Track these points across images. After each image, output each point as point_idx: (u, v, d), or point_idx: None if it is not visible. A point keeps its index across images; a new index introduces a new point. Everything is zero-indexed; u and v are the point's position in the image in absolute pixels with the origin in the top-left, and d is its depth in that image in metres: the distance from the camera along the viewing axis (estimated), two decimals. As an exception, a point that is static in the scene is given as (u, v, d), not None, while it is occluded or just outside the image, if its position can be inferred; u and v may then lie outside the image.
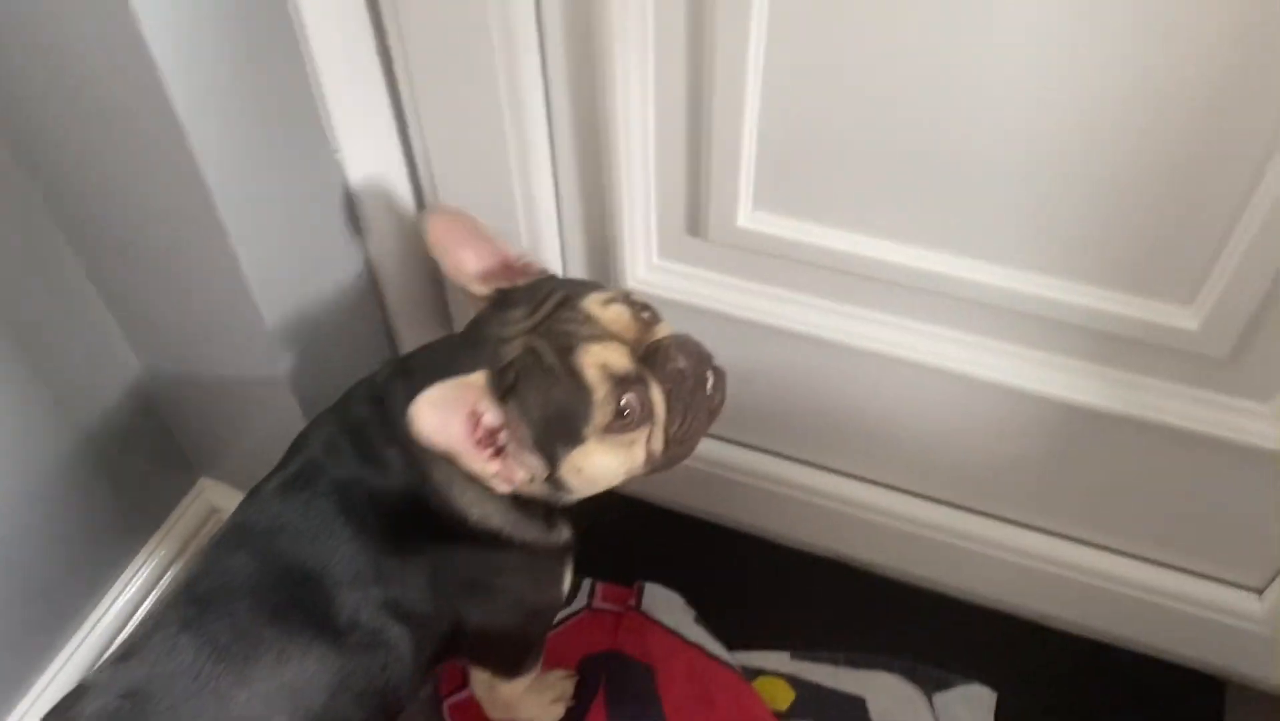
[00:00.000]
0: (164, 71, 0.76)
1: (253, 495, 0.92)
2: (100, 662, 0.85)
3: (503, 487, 0.85)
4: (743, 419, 1.22)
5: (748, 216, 0.98)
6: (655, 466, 0.90)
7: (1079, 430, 1.03)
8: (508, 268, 0.93)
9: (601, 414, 0.83)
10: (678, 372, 0.86)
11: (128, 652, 0.83)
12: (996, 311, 0.97)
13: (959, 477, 1.16)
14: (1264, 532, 1.05)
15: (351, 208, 1.03)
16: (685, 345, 0.88)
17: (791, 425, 1.20)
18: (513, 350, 0.85)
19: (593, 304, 0.86)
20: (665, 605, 1.30)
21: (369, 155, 1.01)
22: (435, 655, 0.96)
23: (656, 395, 0.86)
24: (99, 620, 1.18)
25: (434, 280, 1.18)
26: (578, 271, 1.12)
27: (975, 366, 1.01)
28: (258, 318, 0.96)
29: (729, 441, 1.25)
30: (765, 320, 1.05)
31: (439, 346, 0.93)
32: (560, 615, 1.30)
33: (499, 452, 0.84)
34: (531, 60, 0.92)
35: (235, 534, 0.89)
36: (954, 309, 0.99)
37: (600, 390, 0.83)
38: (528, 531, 0.93)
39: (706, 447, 1.26)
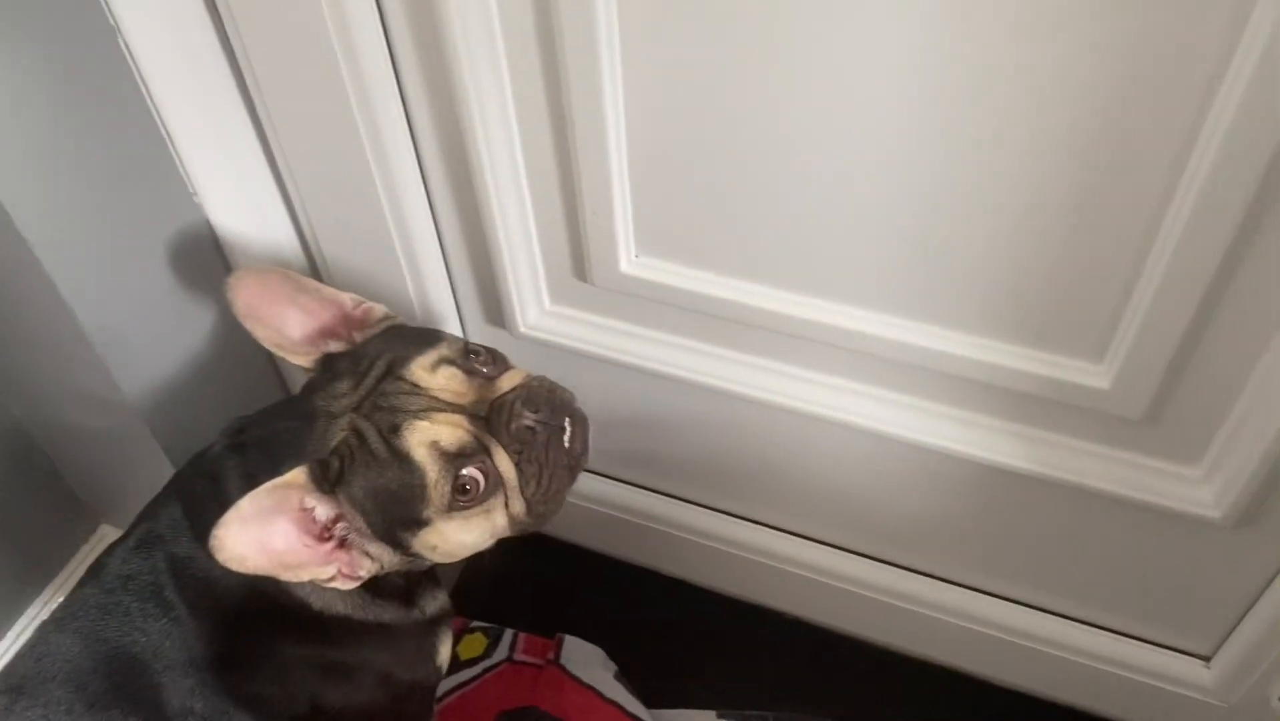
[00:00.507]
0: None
1: (95, 568, 0.86)
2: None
3: (346, 586, 0.79)
4: (649, 464, 1.16)
5: (630, 262, 0.91)
6: (524, 527, 0.84)
7: (999, 489, 0.95)
8: (345, 318, 0.86)
9: (438, 494, 0.77)
10: (525, 431, 0.80)
11: None
12: (894, 364, 0.89)
13: (877, 532, 1.09)
14: (1207, 598, 0.96)
15: (220, 253, 0.97)
16: (535, 396, 0.81)
17: (697, 471, 1.13)
18: (339, 431, 0.78)
19: (419, 371, 0.80)
20: (584, 660, 1.24)
21: (235, 201, 0.96)
22: None
23: (503, 461, 0.79)
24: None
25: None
26: (473, 317, 1.06)
27: (873, 420, 0.93)
28: (110, 381, 0.91)
29: (639, 487, 1.19)
30: (657, 367, 0.99)
31: (273, 416, 0.86)
32: (479, 668, 1.24)
33: (341, 544, 0.78)
34: (389, 97, 0.86)
35: (65, 612, 0.84)
36: (850, 359, 0.91)
37: (432, 471, 0.77)
38: (383, 612, 0.87)
39: (618, 493, 1.20)
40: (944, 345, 0.85)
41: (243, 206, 0.96)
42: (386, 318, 0.87)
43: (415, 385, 0.78)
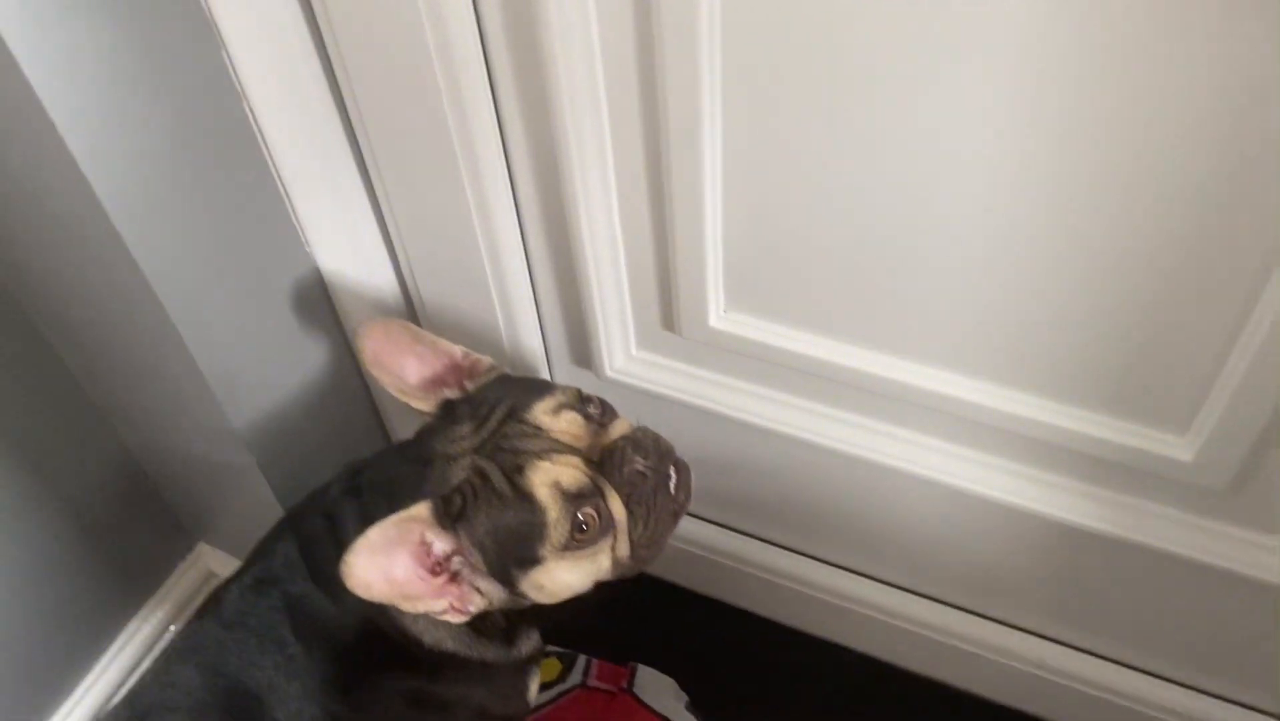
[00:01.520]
0: (97, 188, 0.76)
1: (211, 601, 0.91)
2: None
3: (457, 619, 0.83)
4: (730, 506, 1.19)
5: (719, 317, 0.94)
6: (624, 571, 0.87)
7: (1073, 548, 0.96)
8: (455, 368, 0.90)
9: (557, 533, 0.80)
10: (636, 475, 0.83)
11: None
12: (976, 425, 0.91)
13: (950, 578, 1.11)
14: (1275, 657, 0.97)
15: (327, 297, 1.02)
16: (642, 444, 0.84)
17: (778, 514, 1.16)
18: (460, 471, 0.82)
19: (541, 414, 0.83)
20: (656, 689, 1.27)
21: (343, 249, 1.00)
22: None
23: (615, 504, 0.83)
24: (93, 684, 1.20)
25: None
26: (561, 360, 1.10)
27: (955, 477, 0.95)
28: (220, 413, 0.96)
29: (720, 526, 1.22)
30: (742, 416, 1.02)
31: (390, 460, 0.91)
32: (554, 692, 1.28)
33: (453, 579, 0.82)
34: (494, 156, 0.89)
35: (186, 643, 0.89)
36: (932, 418, 0.94)
37: (553, 510, 0.80)
38: (486, 651, 0.91)
39: (699, 531, 1.23)
40: (1027, 411, 0.87)
41: (350, 255, 1.01)
42: (493, 368, 0.91)
43: (538, 428, 0.82)
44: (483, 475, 0.81)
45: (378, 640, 0.88)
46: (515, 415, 0.83)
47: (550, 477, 0.80)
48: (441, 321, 1.07)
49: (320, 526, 0.89)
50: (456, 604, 0.82)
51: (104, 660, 1.21)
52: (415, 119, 0.87)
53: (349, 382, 1.09)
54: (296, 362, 1.02)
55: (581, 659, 1.31)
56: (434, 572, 0.81)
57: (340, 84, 0.89)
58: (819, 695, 1.28)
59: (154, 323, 0.87)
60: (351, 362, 1.09)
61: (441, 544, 0.81)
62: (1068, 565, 1.00)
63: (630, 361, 1.05)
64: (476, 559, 0.81)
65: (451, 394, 0.88)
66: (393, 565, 0.78)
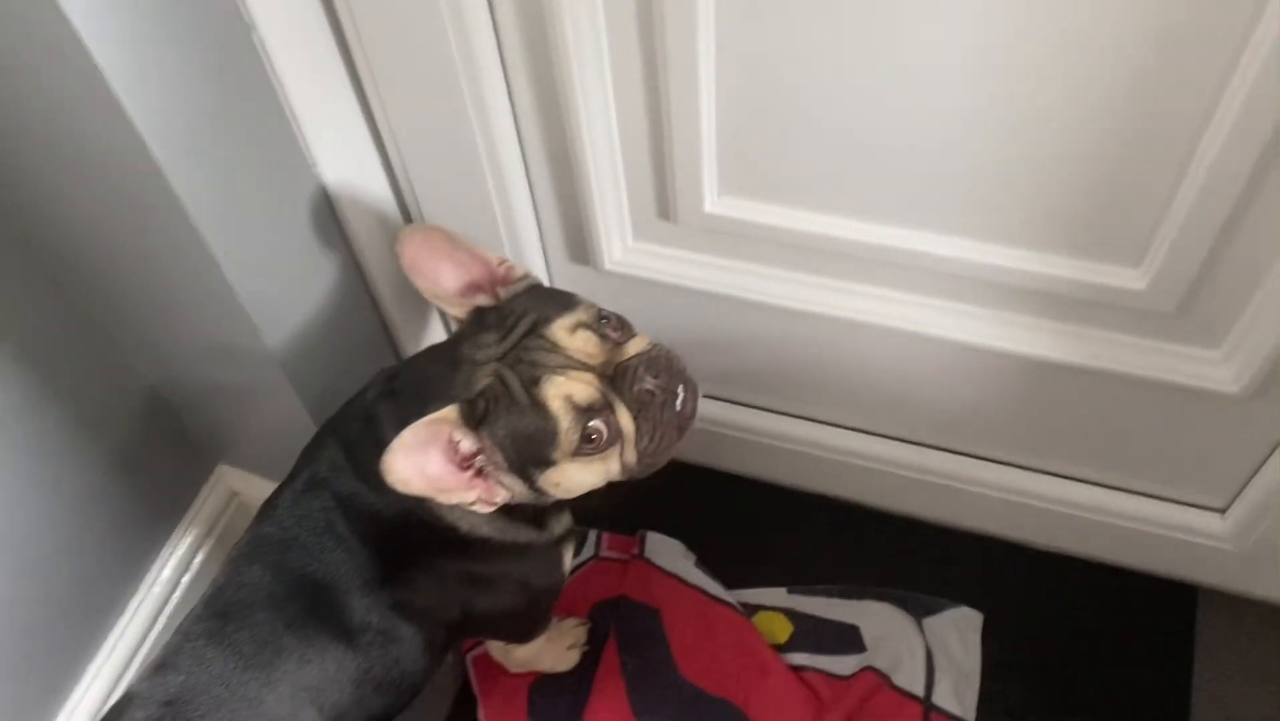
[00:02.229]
0: (138, 122, 0.80)
1: (267, 507, 0.98)
2: (139, 671, 0.92)
3: (485, 509, 0.91)
4: (725, 380, 1.28)
5: (714, 202, 1.02)
6: (632, 474, 0.96)
7: (1038, 379, 1.08)
8: (490, 275, 0.97)
9: (568, 441, 0.89)
10: (645, 394, 0.90)
11: (163, 663, 0.91)
12: (953, 278, 1.01)
13: (933, 422, 1.22)
14: (1222, 459, 1.11)
15: (333, 213, 1.07)
16: (655, 363, 0.91)
17: (769, 382, 1.25)
18: (484, 377, 0.89)
19: (559, 331, 0.90)
20: (666, 552, 1.38)
21: (345, 164, 1.04)
22: (447, 640, 1.04)
23: (624, 418, 0.91)
24: (135, 610, 1.26)
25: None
26: (558, 256, 1.17)
27: (935, 327, 1.05)
28: (255, 333, 1.01)
29: (715, 399, 1.31)
30: (739, 294, 1.10)
31: (422, 363, 0.98)
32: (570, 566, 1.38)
33: (479, 474, 0.90)
34: (490, 58, 0.94)
35: (251, 547, 0.96)
36: (913, 277, 1.03)
37: (564, 420, 0.88)
38: (518, 534, 1.00)
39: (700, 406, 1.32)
40: (996, 259, 0.97)
41: (352, 170, 1.06)
42: (525, 277, 0.97)
43: (555, 344, 0.89)
44: (504, 383, 0.89)
45: (422, 528, 0.96)
46: (536, 329, 0.90)
47: (563, 391, 0.88)
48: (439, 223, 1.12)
49: (360, 429, 0.96)
50: (484, 495, 0.90)
51: (143, 587, 1.28)
52: (409, 17, 0.90)
53: (359, 298, 1.15)
54: (312, 280, 1.07)
55: (592, 533, 1.41)
56: (462, 468, 0.89)
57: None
58: (811, 542, 1.40)
59: (191, 251, 0.92)
60: (359, 278, 1.14)
61: (468, 443, 0.88)
62: (1031, 397, 1.12)
63: (628, 253, 1.12)
64: (498, 457, 0.90)
65: (484, 301, 0.95)
66: (426, 462, 0.86)
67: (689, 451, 1.41)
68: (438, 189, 1.09)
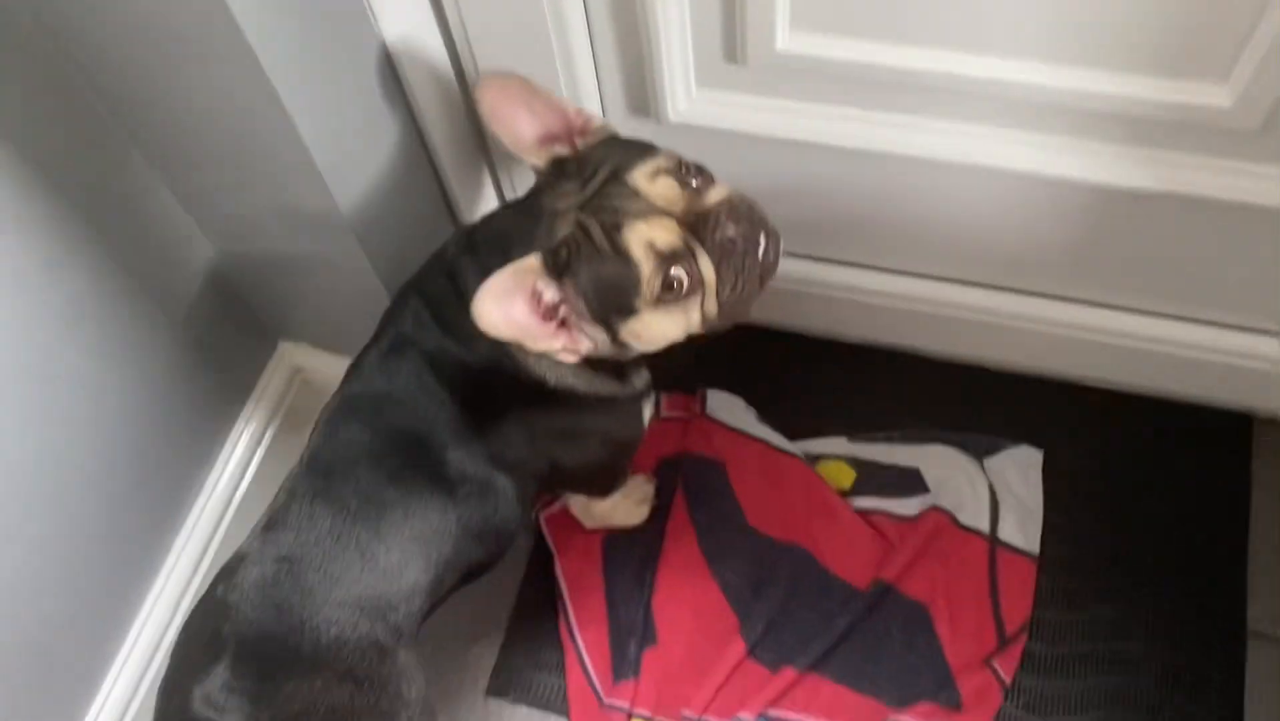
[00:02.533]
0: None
1: (354, 369, 0.99)
2: (249, 533, 0.94)
3: (570, 359, 0.92)
4: (790, 231, 1.26)
5: (786, 39, 1.00)
6: (712, 326, 0.95)
7: (1113, 209, 1.08)
8: (567, 125, 0.95)
9: (650, 288, 0.88)
10: (727, 241, 0.89)
11: (272, 523, 0.93)
12: (1031, 106, 1.00)
13: (998, 261, 1.22)
14: (1283, 282, 1.12)
15: (395, 73, 1.04)
16: (736, 210, 0.90)
17: (837, 232, 1.24)
18: (565, 226, 0.89)
19: (640, 178, 0.89)
20: (728, 407, 1.40)
21: (404, 18, 1.02)
22: (537, 491, 1.06)
23: (705, 265, 0.90)
24: (215, 486, 1.28)
25: (478, 135, 1.21)
26: (616, 108, 1.14)
27: (1011, 160, 1.04)
28: (327, 195, 1.00)
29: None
30: (808, 138, 1.09)
31: (501, 218, 0.98)
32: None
33: (562, 324, 0.90)
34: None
35: (345, 407, 0.97)
36: (991, 108, 1.02)
37: (646, 266, 0.88)
38: (603, 387, 1.01)
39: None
40: (1080, 83, 0.95)
41: (411, 26, 1.03)
42: (603, 128, 0.96)
43: (636, 190, 0.88)
44: (585, 231, 0.88)
45: (510, 381, 0.97)
46: (617, 176, 0.89)
47: (645, 237, 0.87)
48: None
49: (443, 285, 0.96)
50: (569, 344, 0.91)
51: (217, 467, 1.29)
52: None
53: (420, 160, 1.13)
54: (377, 142, 1.06)
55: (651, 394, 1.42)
56: (546, 319, 0.89)
57: None
58: (869, 393, 1.41)
59: (265, 108, 0.90)
60: (419, 140, 1.12)
61: (550, 292, 0.89)
62: (1103, 228, 1.11)
63: (692, 102, 1.10)
64: (581, 307, 0.90)
65: (562, 150, 0.94)
66: (511, 309, 0.87)
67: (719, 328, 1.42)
68: (494, 41, 1.06)
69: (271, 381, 1.34)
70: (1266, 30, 0.86)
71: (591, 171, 0.90)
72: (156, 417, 1.18)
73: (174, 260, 1.16)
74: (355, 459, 0.95)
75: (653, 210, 0.89)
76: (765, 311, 1.41)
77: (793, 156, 1.12)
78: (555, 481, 1.09)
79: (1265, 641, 1.22)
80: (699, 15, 1.01)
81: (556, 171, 0.93)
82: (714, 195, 0.92)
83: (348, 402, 0.98)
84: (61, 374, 1.04)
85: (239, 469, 1.31)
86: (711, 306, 0.93)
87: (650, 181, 0.89)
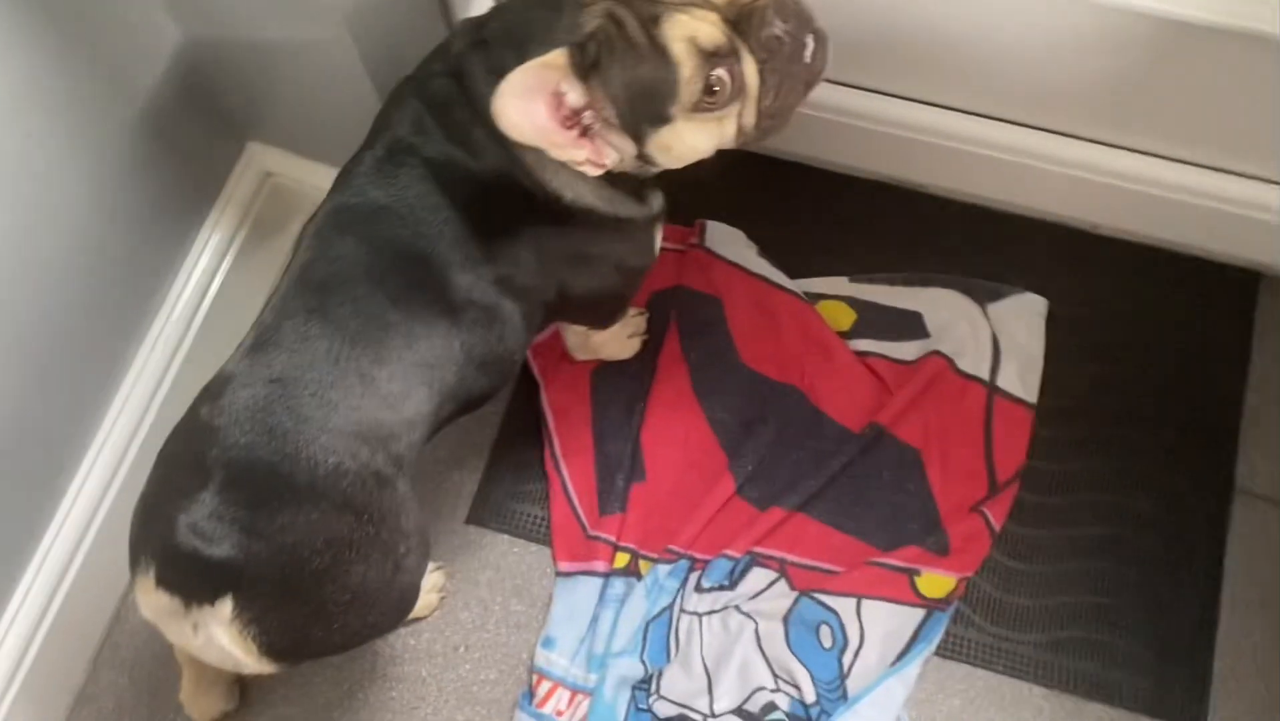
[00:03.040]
0: None
1: (345, 176, 0.90)
2: (236, 353, 0.86)
3: (593, 172, 0.83)
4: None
5: None
6: (747, 140, 0.87)
7: (1164, 43, 1.01)
8: None
9: (689, 92, 0.80)
10: (774, 40, 0.81)
11: (261, 342, 0.85)
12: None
13: (1029, 96, 1.15)
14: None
15: None
16: (785, 7, 0.81)
17: (867, 53, 1.16)
18: (594, 18, 0.79)
19: None
20: (727, 240, 1.33)
21: None
22: (543, 321, 0.99)
23: (749, 68, 0.81)
24: (180, 293, 1.20)
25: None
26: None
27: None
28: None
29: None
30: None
31: (515, 7, 0.87)
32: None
33: (585, 133, 0.81)
34: None
35: (337, 218, 0.88)
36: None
37: (687, 66, 0.79)
38: (620, 207, 0.93)
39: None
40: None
41: None
42: None
43: None
44: (618, 23, 0.78)
45: (524, 197, 0.89)
46: None
47: (687, 32, 0.78)
48: None
49: (448, 87, 0.87)
50: (592, 156, 0.82)
51: (182, 274, 1.20)
52: None
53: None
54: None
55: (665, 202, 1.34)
56: (567, 126, 0.80)
57: None
58: (874, 230, 1.35)
59: None
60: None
61: (575, 95, 0.80)
62: (1140, 64, 1.05)
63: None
64: (610, 113, 0.81)
65: None
66: (532, 111, 0.78)
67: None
68: None
69: (241, 183, 1.24)
70: None
71: None
72: (116, 213, 1.08)
73: (136, 44, 1.04)
74: (352, 276, 0.86)
75: (695, 1, 0.79)
76: (773, 138, 1.33)
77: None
78: (559, 310, 1.01)
79: (1250, 498, 1.23)
80: None
81: None
82: None
83: (340, 213, 0.88)
84: (9, 161, 0.93)
85: (205, 276, 1.21)
86: (750, 116, 0.84)
87: None
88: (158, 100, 1.08)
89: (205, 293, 1.22)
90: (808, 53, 0.84)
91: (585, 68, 0.79)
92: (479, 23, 0.88)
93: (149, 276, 1.16)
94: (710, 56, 0.79)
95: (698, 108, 0.81)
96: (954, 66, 1.14)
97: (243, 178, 1.24)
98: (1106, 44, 1.04)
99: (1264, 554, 1.20)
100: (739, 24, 0.80)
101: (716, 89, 0.80)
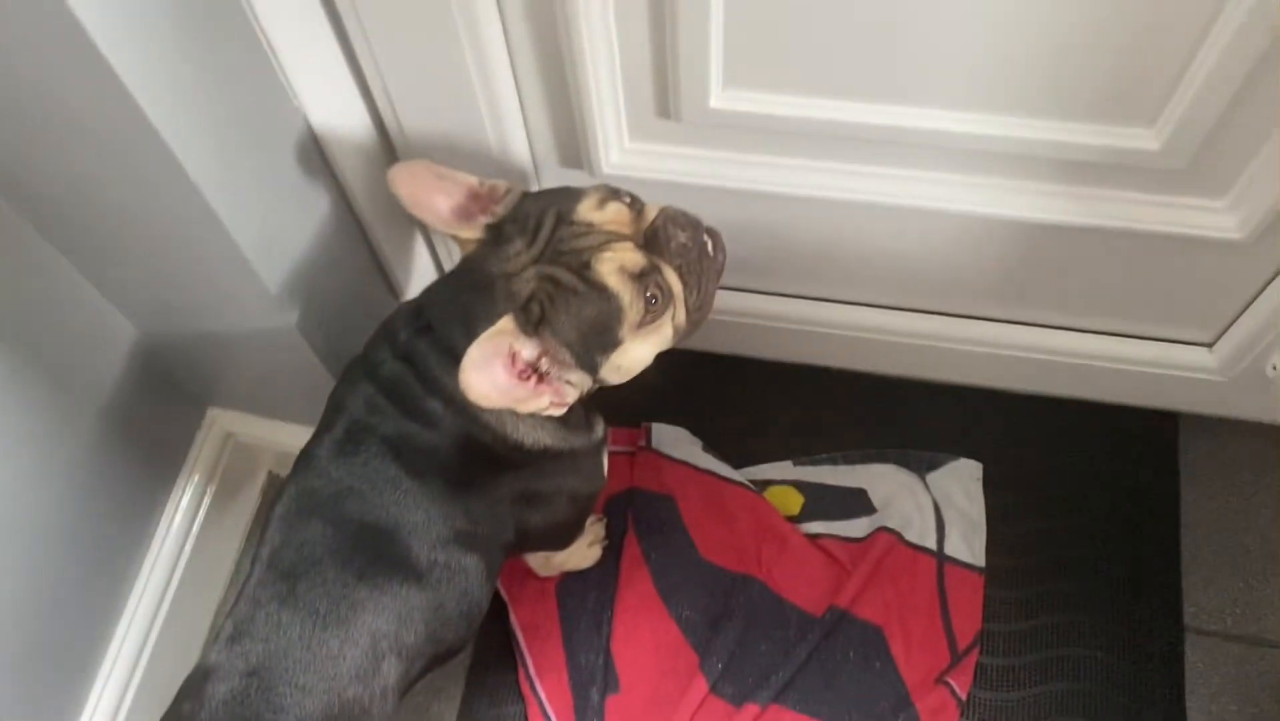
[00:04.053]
0: (121, 73, 0.73)
1: (306, 458, 0.95)
2: (215, 643, 0.90)
3: (557, 412, 0.91)
4: (728, 268, 1.26)
5: (719, 96, 0.98)
6: (680, 337, 0.96)
7: (1046, 241, 1.09)
8: (475, 196, 0.94)
9: (633, 313, 0.89)
10: (682, 248, 0.91)
11: (238, 633, 0.89)
12: (965, 152, 1.00)
13: (934, 289, 1.23)
14: (1215, 299, 1.15)
15: (321, 151, 1.00)
16: (678, 219, 0.92)
17: (773, 267, 1.24)
18: (527, 283, 0.88)
19: (587, 212, 0.89)
20: (673, 440, 1.39)
21: (327, 97, 0.98)
22: (504, 561, 1.04)
23: (671, 276, 0.91)
24: (152, 567, 1.24)
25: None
26: (549, 162, 1.12)
27: (945, 201, 1.05)
28: (256, 280, 0.97)
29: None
30: (741, 186, 1.08)
31: (444, 294, 0.95)
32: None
33: (542, 379, 0.89)
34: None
35: (301, 502, 0.93)
36: (924, 154, 1.02)
37: (626, 292, 0.88)
38: (574, 440, 0.99)
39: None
40: (1013, 130, 0.96)
41: (334, 102, 0.99)
42: (511, 190, 0.94)
43: (589, 225, 0.88)
44: (553, 280, 0.87)
45: (482, 453, 0.95)
46: (564, 219, 0.89)
47: (616, 265, 0.88)
48: (427, 148, 1.07)
49: (399, 369, 0.93)
50: (555, 399, 0.90)
51: (155, 543, 1.24)
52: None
53: (351, 232, 1.10)
54: (305, 218, 1.02)
55: (605, 425, 1.41)
56: (524, 378, 0.88)
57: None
58: (811, 414, 1.42)
59: (189, 205, 0.86)
60: (349, 212, 1.08)
61: (528, 350, 0.88)
62: (1037, 258, 1.13)
63: (625, 154, 1.08)
64: (564, 355, 0.89)
65: (489, 220, 0.92)
66: (494, 376, 0.86)
67: (693, 340, 1.41)
68: (421, 106, 1.02)
69: (204, 449, 1.29)
70: (1191, 77, 0.87)
71: (535, 224, 0.89)
72: (87, 501, 1.13)
73: (94, 342, 1.10)
74: (320, 559, 0.91)
75: (611, 238, 0.89)
76: (704, 340, 1.40)
77: (728, 202, 1.11)
78: (522, 546, 1.07)
79: (1200, 636, 1.27)
80: (630, 75, 0.99)
81: (493, 239, 0.91)
82: (650, 210, 0.93)
83: (304, 497, 0.94)
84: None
85: (177, 544, 1.26)
86: (681, 316, 0.94)
87: (599, 211, 0.90)
88: (118, 391, 1.14)
89: (178, 558, 1.26)
90: (710, 248, 0.95)
91: (533, 324, 0.87)
92: (415, 309, 0.95)
93: (122, 552, 1.20)
94: (640, 277, 0.88)
95: (641, 324, 0.90)
96: (869, 272, 1.22)
97: (206, 442, 1.29)
98: (998, 246, 1.12)
99: (1223, 689, 1.25)
100: (649, 244, 0.90)
101: (654, 301, 0.89)
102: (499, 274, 0.89)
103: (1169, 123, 0.92)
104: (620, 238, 0.89)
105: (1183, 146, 0.94)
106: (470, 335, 0.85)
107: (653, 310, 0.90)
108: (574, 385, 0.92)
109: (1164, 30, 0.85)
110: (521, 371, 0.88)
